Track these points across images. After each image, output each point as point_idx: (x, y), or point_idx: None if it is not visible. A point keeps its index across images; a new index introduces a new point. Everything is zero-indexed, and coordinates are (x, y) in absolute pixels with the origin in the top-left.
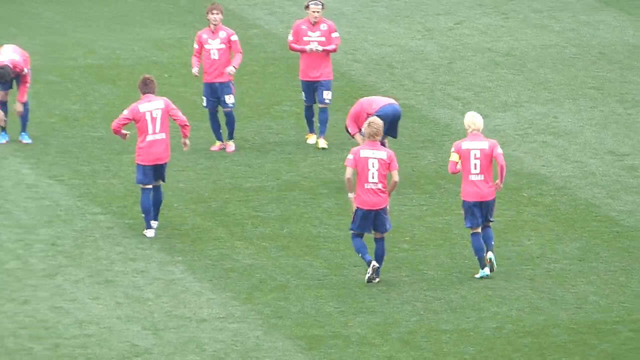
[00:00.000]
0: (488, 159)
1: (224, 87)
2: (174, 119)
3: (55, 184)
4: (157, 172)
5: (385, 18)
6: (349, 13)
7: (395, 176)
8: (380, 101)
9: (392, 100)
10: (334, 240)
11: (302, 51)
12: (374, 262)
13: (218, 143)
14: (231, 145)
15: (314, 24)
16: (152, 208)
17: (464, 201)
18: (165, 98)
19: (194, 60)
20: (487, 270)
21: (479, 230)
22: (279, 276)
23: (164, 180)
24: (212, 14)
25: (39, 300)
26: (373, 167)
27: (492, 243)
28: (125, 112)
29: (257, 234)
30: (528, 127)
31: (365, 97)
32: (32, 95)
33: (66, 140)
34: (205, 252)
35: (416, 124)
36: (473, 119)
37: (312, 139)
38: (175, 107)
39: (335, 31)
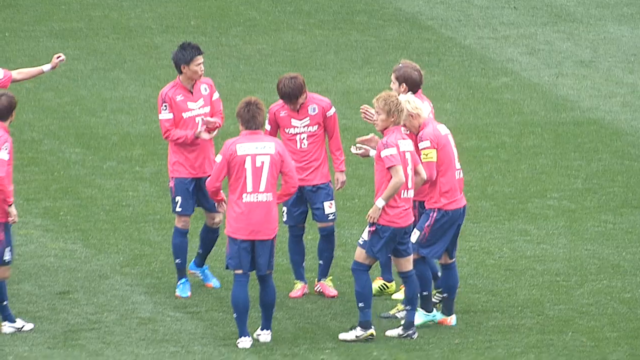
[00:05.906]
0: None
1: None
2: (284, 175)
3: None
4: (256, 253)
5: None
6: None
7: (422, 172)
8: None
9: None
10: None
11: None
12: (372, 331)
13: None
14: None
15: None
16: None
17: (446, 212)
18: (277, 140)
19: None
20: (454, 320)
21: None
22: None
23: (265, 270)
24: None
25: None
26: (408, 165)
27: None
28: (217, 158)
29: None
30: None
31: None
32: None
33: None
34: None
35: None
36: (416, 102)
37: None
38: (289, 158)
39: None
